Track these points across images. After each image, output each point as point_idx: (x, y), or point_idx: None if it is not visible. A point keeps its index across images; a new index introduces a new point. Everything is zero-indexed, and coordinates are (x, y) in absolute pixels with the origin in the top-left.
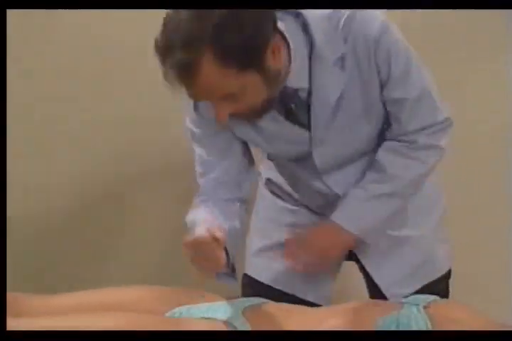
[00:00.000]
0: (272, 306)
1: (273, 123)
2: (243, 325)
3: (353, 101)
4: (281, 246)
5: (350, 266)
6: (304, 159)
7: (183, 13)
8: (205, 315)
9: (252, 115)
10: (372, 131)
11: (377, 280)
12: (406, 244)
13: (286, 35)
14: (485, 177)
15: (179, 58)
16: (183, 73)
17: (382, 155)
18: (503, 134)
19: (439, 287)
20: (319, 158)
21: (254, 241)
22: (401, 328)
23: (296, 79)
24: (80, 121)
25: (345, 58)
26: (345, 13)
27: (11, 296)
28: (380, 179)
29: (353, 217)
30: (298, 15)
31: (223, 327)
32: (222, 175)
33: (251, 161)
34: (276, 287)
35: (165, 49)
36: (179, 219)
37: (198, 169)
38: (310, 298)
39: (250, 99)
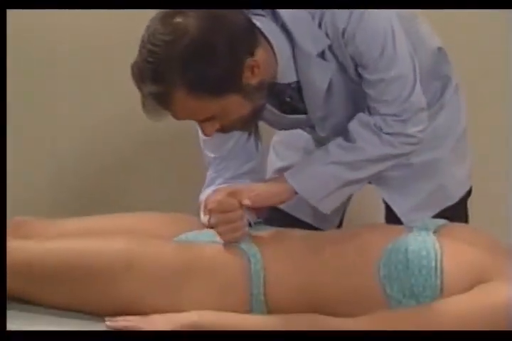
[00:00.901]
0: (280, 231)
1: (272, 117)
2: (252, 249)
3: (340, 87)
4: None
5: (369, 189)
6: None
7: (154, 39)
8: (213, 239)
9: (243, 125)
10: (360, 110)
11: (392, 205)
12: (421, 168)
13: (268, 37)
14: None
15: (151, 90)
16: (158, 103)
17: (355, 126)
18: (503, 135)
19: (458, 211)
20: (322, 131)
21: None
22: (410, 251)
23: (285, 74)
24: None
25: (325, 51)
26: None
27: (20, 219)
28: (346, 147)
29: (302, 175)
30: (274, 15)
31: (232, 251)
32: (229, 149)
33: (256, 130)
34: (286, 211)
35: (138, 78)
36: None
37: (204, 148)
38: (318, 225)
39: (235, 115)
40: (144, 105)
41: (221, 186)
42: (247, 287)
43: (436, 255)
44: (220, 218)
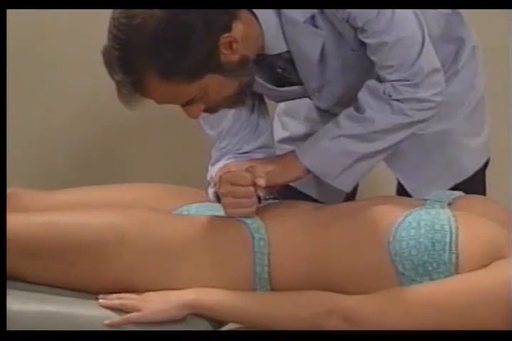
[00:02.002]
0: (286, 204)
1: (265, 91)
2: (255, 223)
3: (336, 55)
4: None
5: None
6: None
7: (119, 23)
8: (217, 213)
9: (231, 104)
10: (363, 78)
11: (402, 180)
12: (432, 140)
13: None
14: None
15: (121, 78)
16: (132, 90)
17: (363, 95)
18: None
19: (473, 184)
20: (319, 102)
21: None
22: (422, 225)
23: (273, 45)
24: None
25: (315, 16)
26: None
27: (11, 191)
28: (356, 118)
29: (313, 151)
30: None
31: (235, 225)
32: (230, 124)
33: (262, 100)
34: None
35: (107, 65)
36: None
37: (203, 125)
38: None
39: (219, 95)
40: (118, 92)
41: (232, 161)
42: (250, 264)
43: (450, 229)
44: (230, 189)
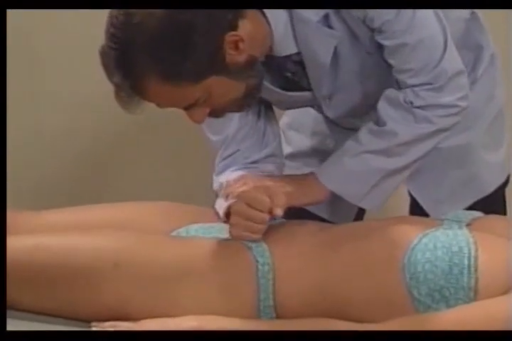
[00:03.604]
0: (291, 224)
1: (273, 95)
2: (259, 246)
3: (350, 58)
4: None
5: None
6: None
7: (117, 21)
8: (219, 235)
9: (238, 108)
10: (380, 85)
11: (418, 197)
12: (449, 155)
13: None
14: None
15: (118, 81)
16: (131, 93)
17: (383, 105)
18: None
19: (493, 202)
20: (329, 111)
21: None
22: (439, 247)
23: (283, 46)
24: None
25: (329, 16)
26: None
27: None
28: (377, 131)
29: (335, 171)
30: None
31: (238, 248)
32: (235, 130)
33: (269, 106)
34: None
35: (105, 67)
36: None
37: (205, 131)
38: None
39: (224, 98)
40: (116, 96)
41: (245, 173)
42: (254, 291)
43: (469, 251)
44: (244, 210)
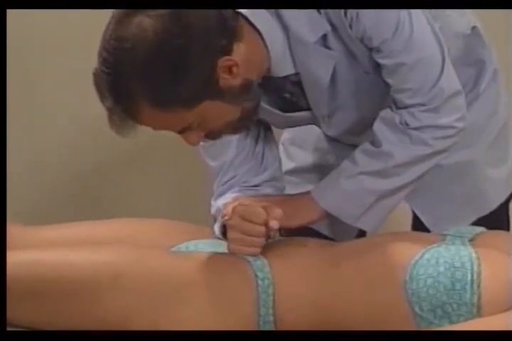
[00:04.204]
0: (292, 240)
1: (271, 117)
2: (259, 260)
3: (348, 78)
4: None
5: None
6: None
7: (109, 45)
8: (218, 250)
9: (233, 131)
10: (378, 105)
11: (420, 215)
12: (452, 172)
13: (256, 24)
14: None
15: (110, 105)
16: (124, 117)
17: (378, 126)
18: None
19: (496, 218)
20: (329, 130)
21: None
22: (441, 262)
23: (280, 67)
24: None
25: (327, 36)
26: None
27: None
28: (372, 152)
29: (330, 192)
30: None
31: (238, 262)
32: (233, 155)
33: (268, 128)
34: None
35: (97, 90)
36: None
37: (204, 155)
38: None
39: (219, 122)
40: (109, 119)
41: (241, 195)
42: (254, 306)
43: (472, 267)
44: (240, 224)
